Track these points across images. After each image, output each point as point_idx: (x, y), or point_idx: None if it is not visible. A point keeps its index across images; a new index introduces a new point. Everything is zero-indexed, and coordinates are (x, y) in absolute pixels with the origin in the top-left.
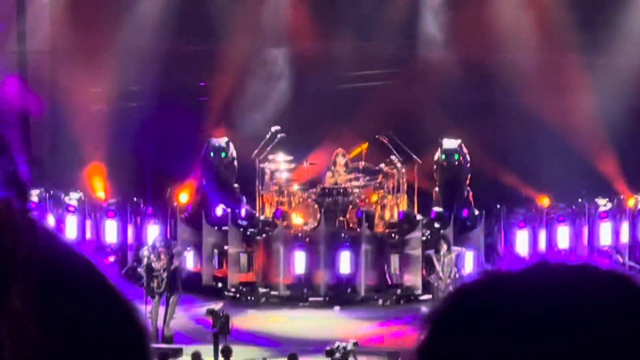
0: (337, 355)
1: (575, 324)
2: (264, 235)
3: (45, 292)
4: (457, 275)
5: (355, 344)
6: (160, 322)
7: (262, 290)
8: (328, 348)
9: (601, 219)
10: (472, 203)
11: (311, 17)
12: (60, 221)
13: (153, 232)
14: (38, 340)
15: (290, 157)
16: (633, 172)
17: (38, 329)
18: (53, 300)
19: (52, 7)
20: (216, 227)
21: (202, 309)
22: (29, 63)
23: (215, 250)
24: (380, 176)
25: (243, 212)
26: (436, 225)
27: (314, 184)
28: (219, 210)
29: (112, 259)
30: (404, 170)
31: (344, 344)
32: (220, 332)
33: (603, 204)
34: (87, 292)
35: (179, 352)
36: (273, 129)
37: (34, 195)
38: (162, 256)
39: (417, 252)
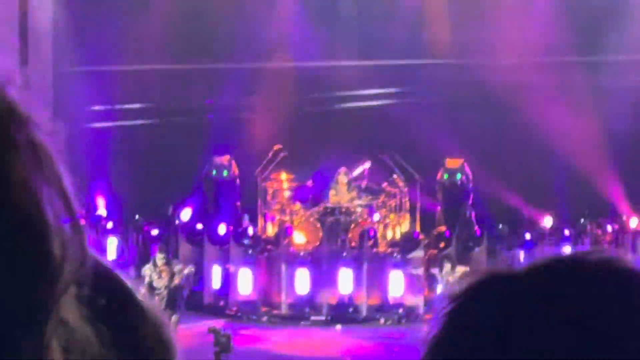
0: None
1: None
2: (265, 253)
3: (94, 301)
4: None
5: None
6: None
7: (263, 309)
8: None
9: (602, 239)
10: (475, 223)
11: (314, 35)
12: None
13: (154, 250)
14: (91, 349)
15: (292, 176)
16: (636, 193)
17: (90, 338)
18: (101, 309)
19: (54, 27)
20: (218, 245)
21: (204, 327)
22: (31, 82)
23: (217, 269)
24: (382, 195)
25: (245, 231)
26: (438, 244)
27: (316, 202)
28: (222, 229)
29: None
30: (406, 189)
31: None
32: (222, 351)
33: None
34: (127, 304)
35: None
36: (275, 147)
37: None
38: (164, 274)
39: (420, 271)
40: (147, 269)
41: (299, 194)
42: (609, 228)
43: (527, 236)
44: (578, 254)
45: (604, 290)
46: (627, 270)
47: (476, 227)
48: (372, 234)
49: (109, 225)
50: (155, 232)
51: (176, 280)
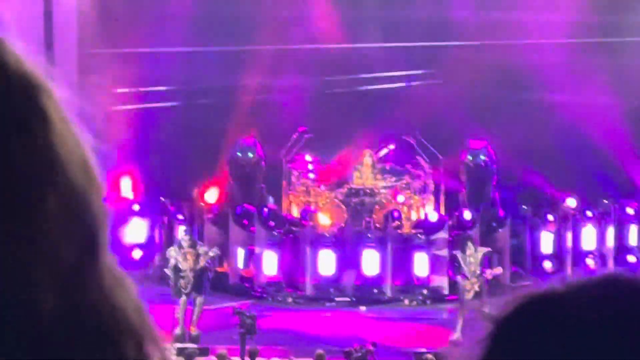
0: (355, 356)
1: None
2: (290, 235)
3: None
4: (482, 276)
5: (373, 344)
6: (187, 322)
7: (288, 290)
8: (346, 350)
9: (626, 220)
10: (499, 204)
11: (339, 18)
12: None
13: (180, 232)
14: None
15: (317, 158)
16: None
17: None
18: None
19: (79, 9)
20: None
21: (229, 309)
22: (56, 63)
23: (242, 250)
24: (406, 177)
25: (268, 212)
26: (462, 225)
27: (341, 184)
28: (247, 210)
29: (138, 256)
30: (430, 170)
31: (361, 345)
32: (247, 332)
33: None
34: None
35: (205, 351)
36: (300, 129)
37: None
38: (189, 256)
39: (444, 252)
40: (172, 251)
41: (323, 176)
42: (630, 211)
43: (551, 217)
44: (625, 275)
45: None
46: None
47: (500, 208)
48: (396, 215)
49: (135, 207)
50: (180, 217)
51: (201, 262)
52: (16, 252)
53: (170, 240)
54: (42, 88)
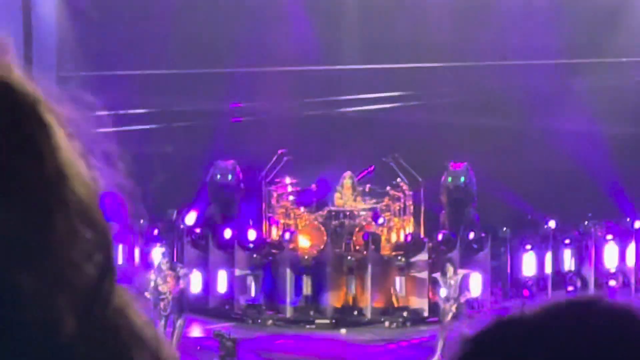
0: None
1: None
2: (270, 257)
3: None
4: (462, 298)
5: None
6: None
7: (268, 312)
8: None
9: (607, 241)
10: (479, 225)
11: (319, 40)
12: None
13: (159, 254)
14: None
15: (296, 180)
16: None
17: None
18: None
19: (58, 32)
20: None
21: (209, 331)
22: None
23: (223, 273)
24: (386, 199)
25: (249, 235)
26: (442, 247)
27: (321, 206)
28: (227, 233)
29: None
30: (410, 192)
31: None
32: (227, 355)
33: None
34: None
35: None
36: (279, 151)
37: None
38: (169, 279)
39: (424, 274)
40: (151, 274)
41: (302, 198)
42: (611, 235)
43: (531, 238)
44: (590, 299)
45: (618, 340)
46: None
47: (480, 230)
48: (370, 237)
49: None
50: (159, 239)
51: (181, 285)
52: (32, 276)
53: (149, 263)
54: (46, 106)
